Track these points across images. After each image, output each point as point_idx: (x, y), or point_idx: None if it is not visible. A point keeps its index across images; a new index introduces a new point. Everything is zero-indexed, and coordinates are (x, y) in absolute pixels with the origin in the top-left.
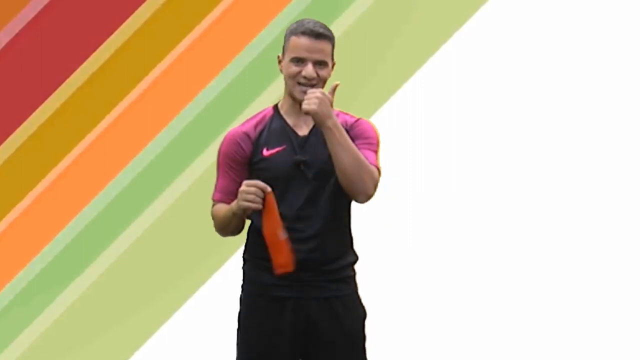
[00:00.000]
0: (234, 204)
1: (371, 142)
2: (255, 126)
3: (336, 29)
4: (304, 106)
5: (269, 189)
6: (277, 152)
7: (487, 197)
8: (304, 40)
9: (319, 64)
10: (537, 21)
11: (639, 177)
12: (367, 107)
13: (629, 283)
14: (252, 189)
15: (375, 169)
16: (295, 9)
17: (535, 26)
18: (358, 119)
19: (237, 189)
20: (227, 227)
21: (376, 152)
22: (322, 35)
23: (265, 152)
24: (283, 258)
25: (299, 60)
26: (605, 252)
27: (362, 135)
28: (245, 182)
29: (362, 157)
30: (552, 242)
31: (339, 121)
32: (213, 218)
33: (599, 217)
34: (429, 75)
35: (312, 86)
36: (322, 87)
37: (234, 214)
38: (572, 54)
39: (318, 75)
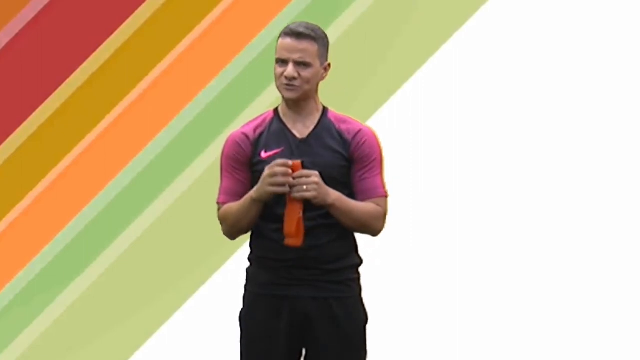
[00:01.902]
0: (252, 191)
1: (375, 165)
2: (255, 129)
3: (336, 29)
4: (302, 194)
5: (290, 162)
6: (275, 154)
7: (489, 197)
8: (286, 41)
9: (301, 64)
10: (537, 21)
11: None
12: (367, 107)
13: (628, 283)
14: (280, 170)
15: (382, 199)
16: (295, 9)
17: (535, 26)
18: (360, 130)
19: (242, 190)
20: (243, 219)
21: (381, 172)
22: (303, 35)
23: (264, 154)
24: (295, 230)
25: (283, 62)
26: (604, 252)
27: (365, 158)
28: (268, 166)
29: (366, 211)
30: (555, 245)
31: (342, 128)
32: (223, 220)
33: (599, 217)
34: (429, 75)
35: (293, 86)
36: (306, 87)
37: (253, 200)
38: (572, 54)
39: (300, 75)
